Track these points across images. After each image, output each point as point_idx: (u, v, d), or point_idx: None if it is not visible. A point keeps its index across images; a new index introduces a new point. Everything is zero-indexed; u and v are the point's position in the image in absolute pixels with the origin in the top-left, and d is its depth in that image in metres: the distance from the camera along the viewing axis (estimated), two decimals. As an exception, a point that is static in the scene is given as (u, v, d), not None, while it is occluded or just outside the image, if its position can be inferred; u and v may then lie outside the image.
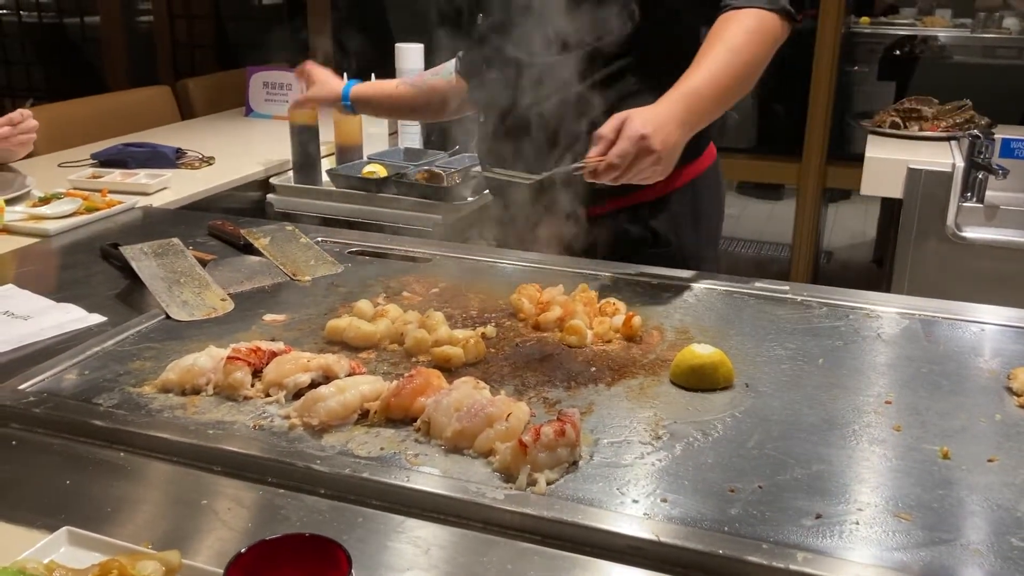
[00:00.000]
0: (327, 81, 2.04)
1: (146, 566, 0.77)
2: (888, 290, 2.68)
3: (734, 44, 1.48)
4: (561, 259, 1.62)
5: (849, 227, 5.02)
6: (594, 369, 1.18)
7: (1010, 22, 5.78)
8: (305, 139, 2.35)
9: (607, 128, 1.37)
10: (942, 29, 5.69)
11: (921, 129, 2.98)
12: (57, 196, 1.96)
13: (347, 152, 2.50)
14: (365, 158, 2.51)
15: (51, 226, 1.82)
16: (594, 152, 1.38)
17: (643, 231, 1.67)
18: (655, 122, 1.37)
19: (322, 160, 2.44)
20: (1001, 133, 2.77)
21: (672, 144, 1.39)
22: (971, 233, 2.64)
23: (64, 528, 0.83)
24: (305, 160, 2.37)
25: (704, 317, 1.36)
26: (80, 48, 5.83)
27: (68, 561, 0.79)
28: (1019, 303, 1.41)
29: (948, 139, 2.91)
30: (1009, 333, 1.33)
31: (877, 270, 4.07)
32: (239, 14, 5.38)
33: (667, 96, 1.43)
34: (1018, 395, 1.12)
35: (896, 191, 2.68)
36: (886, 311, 1.38)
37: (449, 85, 1.92)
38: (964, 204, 2.66)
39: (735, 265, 4.56)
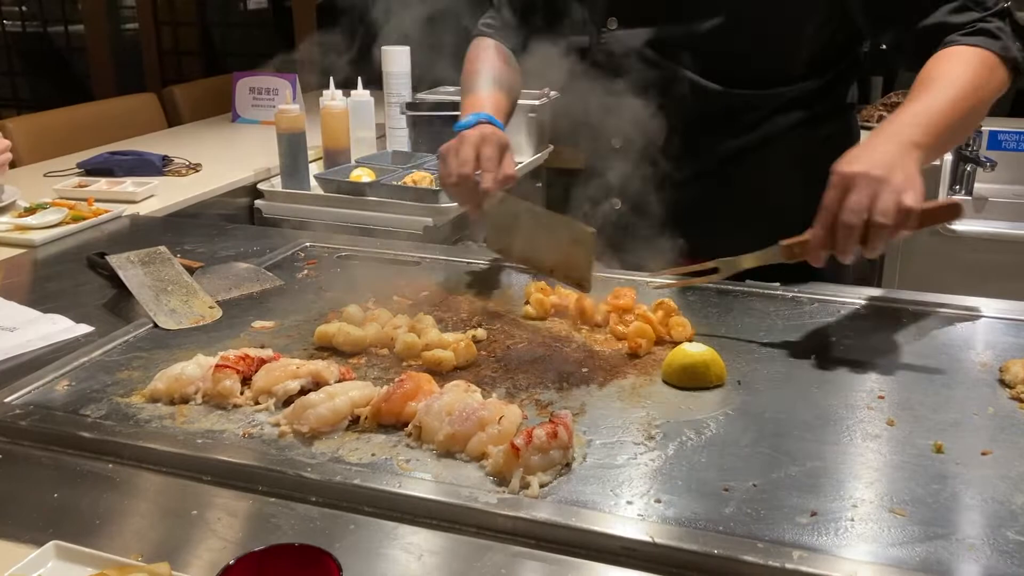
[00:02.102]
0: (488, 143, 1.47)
1: (135, 579, 0.76)
2: (879, 283, 2.68)
3: (962, 79, 1.31)
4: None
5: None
6: (586, 370, 1.18)
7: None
8: (292, 144, 2.34)
9: (831, 192, 1.19)
10: (928, 23, 5.70)
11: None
12: (43, 206, 1.95)
13: (335, 156, 2.49)
14: (353, 162, 2.50)
15: (37, 236, 1.80)
16: (819, 223, 1.20)
17: None
18: (882, 160, 1.18)
19: (310, 165, 2.42)
20: (988, 125, 2.78)
21: (915, 178, 1.18)
22: (960, 225, 2.64)
23: (51, 542, 0.82)
24: (293, 165, 2.35)
25: (695, 315, 1.35)
26: (65, 57, 5.82)
27: (56, 576, 0.79)
28: (1008, 294, 1.41)
29: (936, 132, 2.91)
30: (1000, 325, 1.32)
31: (867, 264, 4.09)
32: (225, 20, 5.37)
33: (885, 131, 1.26)
34: (1011, 387, 1.12)
35: (885, 185, 2.68)
36: (877, 305, 1.38)
37: (515, 72, 1.74)
38: (953, 197, 2.67)
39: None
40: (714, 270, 1.33)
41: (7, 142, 1.93)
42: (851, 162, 1.20)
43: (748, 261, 1.30)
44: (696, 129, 1.53)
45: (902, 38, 1.44)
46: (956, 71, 1.32)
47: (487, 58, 1.71)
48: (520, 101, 2.62)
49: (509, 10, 1.75)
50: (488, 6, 1.80)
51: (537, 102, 2.67)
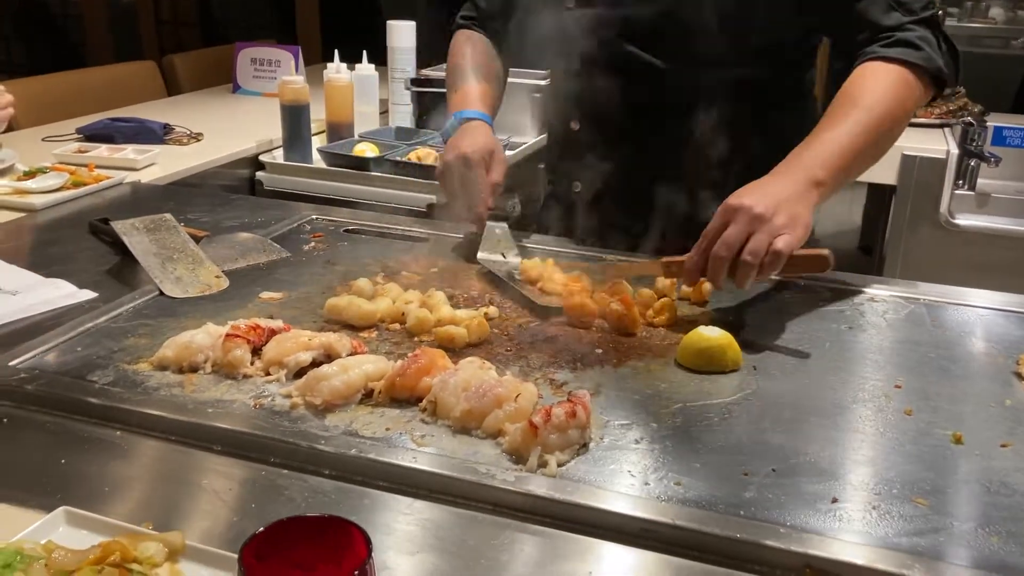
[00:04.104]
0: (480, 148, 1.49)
1: (148, 547, 0.75)
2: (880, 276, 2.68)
3: (877, 105, 1.31)
4: (554, 240, 1.60)
5: (834, 214, 5.01)
6: (600, 351, 1.16)
7: (996, 12, 5.80)
8: (295, 116, 2.31)
9: (714, 221, 1.20)
10: (929, 17, 5.69)
11: (915, 116, 2.97)
12: (42, 170, 1.92)
13: (338, 130, 2.46)
14: (356, 136, 2.47)
15: (37, 200, 1.77)
16: (696, 249, 1.22)
17: None
18: (769, 199, 1.19)
19: (313, 138, 2.40)
20: (992, 121, 2.78)
21: (798, 222, 1.19)
22: (963, 220, 2.64)
23: (61, 508, 0.80)
24: (295, 138, 2.32)
25: (708, 300, 1.34)
26: (61, 23, 5.74)
27: (66, 541, 0.77)
28: (1008, 289, 1.40)
29: (942, 126, 2.91)
30: (1013, 319, 1.32)
31: (864, 257, 4.08)
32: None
33: (788, 165, 1.27)
34: (1027, 380, 1.11)
35: (890, 177, 2.67)
36: (891, 296, 1.37)
37: (498, 61, 1.75)
38: (957, 191, 2.67)
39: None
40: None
41: (9, 96, 1.89)
42: (741, 195, 1.20)
43: (625, 269, 1.34)
44: (652, 110, 1.51)
45: (829, 28, 1.48)
46: (873, 96, 1.32)
47: (469, 51, 1.70)
48: (523, 81, 2.61)
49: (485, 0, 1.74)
50: None
51: (542, 82, 2.64)
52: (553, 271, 1.36)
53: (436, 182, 2.08)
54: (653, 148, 1.53)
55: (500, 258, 1.45)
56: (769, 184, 1.24)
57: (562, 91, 1.63)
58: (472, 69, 1.66)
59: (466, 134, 1.52)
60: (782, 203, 1.19)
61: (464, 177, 1.46)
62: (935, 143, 2.71)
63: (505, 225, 1.49)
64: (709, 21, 1.42)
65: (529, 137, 2.64)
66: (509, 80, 2.62)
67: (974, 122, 2.65)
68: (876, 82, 1.34)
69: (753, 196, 1.19)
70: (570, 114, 1.61)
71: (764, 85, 1.50)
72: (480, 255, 1.44)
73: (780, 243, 1.16)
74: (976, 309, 1.34)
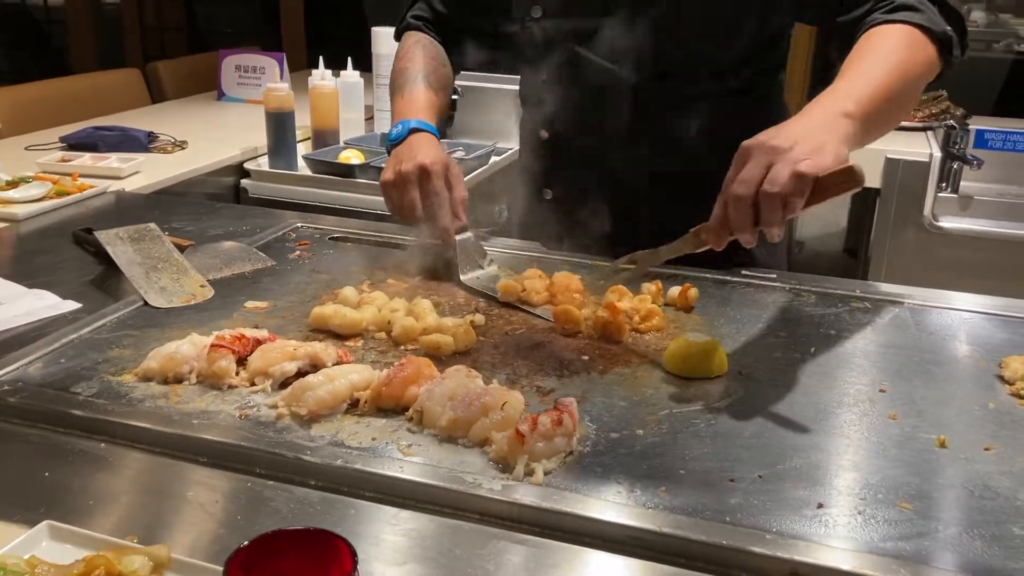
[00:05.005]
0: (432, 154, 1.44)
1: (133, 561, 0.74)
2: (864, 279, 2.70)
3: (891, 54, 1.24)
4: (537, 246, 1.60)
5: (820, 217, 5.03)
6: (586, 357, 1.17)
7: (977, 15, 5.85)
8: (280, 123, 2.31)
9: (731, 169, 1.10)
10: (912, 21, 5.73)
11: (897, 119, 2.99)
12: (25, 180, 1.91)
13: (323, 137, 2.46)
14: (341, 143, 2.47)
15: (20, 210, 1.76)
16: (718, 203, 1.11)
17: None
18: (788, 131, 1.09)
19: (298, 145, 2.39)
20: (975, 124, 2.80)
21: (824, 149, 1.06)
22: (947, 223, 2.66)
23: (45, 522, 0.80)
24: (280, 145, 2.32)
25: (694, 306, 1.34)
26: (44, 30, 5.71)
27: (49, 556, 0.76)
28: (991, 291, 1.41)
29: (924, 129, 2.93)
30: (996, 322, 1.33)
31: (849, 260, 4.11)
32: (209, -3, 5.30)
33: (810, 106, 1.17)
34: (1010, 383, 1.12)
35: (874, 181, 2.69)
36: (875, 299, 1.38)
37: (446, 66, 1.69)
38: (940, 194, 2.69)
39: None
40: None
41: None
42: (758, 135, 1.11)
43: (664, 253, 1.21)
44: (624, 121, 1.48)
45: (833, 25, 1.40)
46: (884, 47, 1.26)
47: (420, 54, 1.63)
48: (509, 87, 2.60)
49: (440, 1, 1.70)
50: None
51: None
52: (533, 280, 1.35)
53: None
54: (623, 157, 1.51)
55: (480, 271, 1.44)
56: (793, 121, 1.14)
57: (530, 100, 1.62)
58: (422, 75, 1.60)
59: (418, 146, 1.45)
60: (803, 134, 1.08)
61: (425, 190, 1.41)
62: (918, 146, 2.73)
63: (470, 235, 1.46)
64: (683, 34, 1.41)
65: (514, 143, 2.64)
66: (494, 85, 2.64)
67: (956, 125, 2.68)
68: (885, 39, 1.28)
69: (769, 132, 1.10)
70: (538, 123, 1.60)
71: (740, 91, 1.49)
72: (463, 277, 1.41)
73: (803, 166, 1.04)
74: (960, 312, 1.34)
